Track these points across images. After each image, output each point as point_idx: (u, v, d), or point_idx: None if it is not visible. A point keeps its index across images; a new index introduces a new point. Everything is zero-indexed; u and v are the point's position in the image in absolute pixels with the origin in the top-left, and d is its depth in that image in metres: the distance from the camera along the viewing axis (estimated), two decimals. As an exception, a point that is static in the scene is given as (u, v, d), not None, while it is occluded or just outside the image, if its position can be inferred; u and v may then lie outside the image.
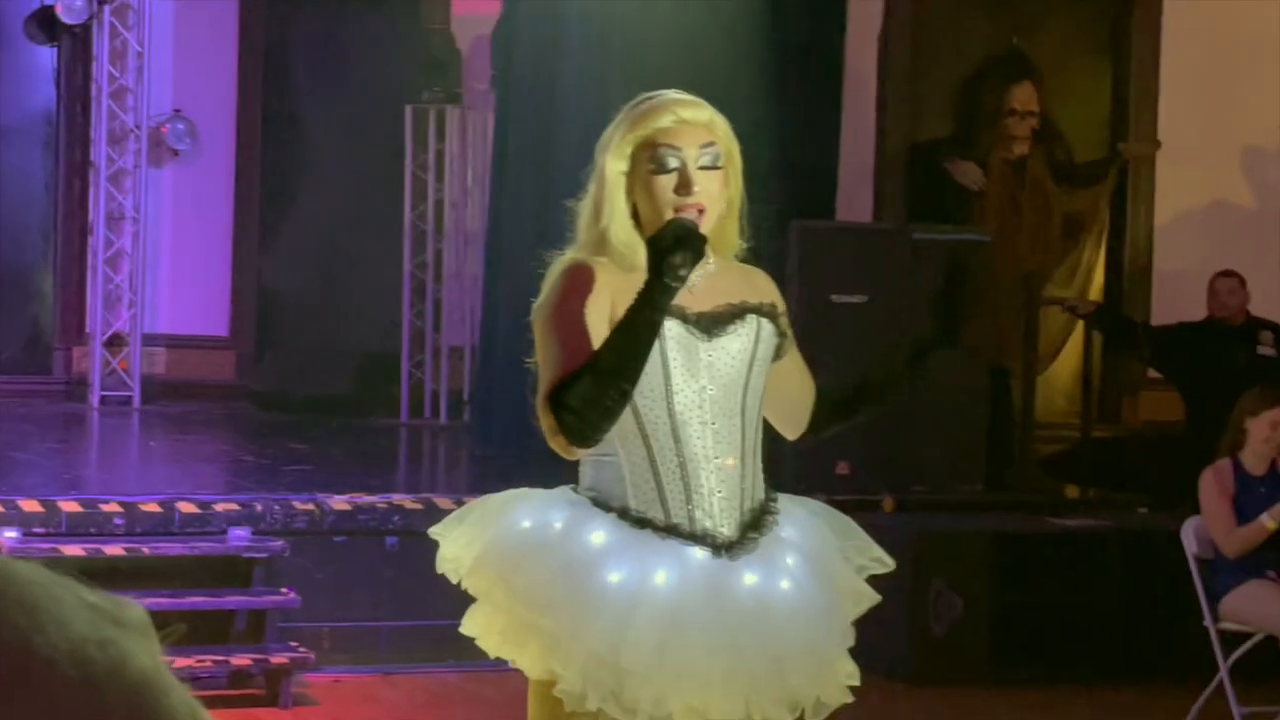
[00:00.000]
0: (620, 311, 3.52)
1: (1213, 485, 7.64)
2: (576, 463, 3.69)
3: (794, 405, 3.87)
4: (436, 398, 11.71)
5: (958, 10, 11.55)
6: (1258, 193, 12.03)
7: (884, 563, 3.77)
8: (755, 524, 3.65)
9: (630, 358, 3.47)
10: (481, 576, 3.59)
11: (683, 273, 3.40)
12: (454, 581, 3.64)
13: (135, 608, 0.70)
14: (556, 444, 3.49)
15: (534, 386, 3.58)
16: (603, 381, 3.45)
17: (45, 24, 12.67)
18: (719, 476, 3.62)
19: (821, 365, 3.98)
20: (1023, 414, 10.42)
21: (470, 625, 3.65)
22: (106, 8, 12.46)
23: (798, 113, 9.71)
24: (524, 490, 3.72)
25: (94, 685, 0.66)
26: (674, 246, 3.40)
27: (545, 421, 3.47)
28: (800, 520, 3.73)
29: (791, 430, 3.92)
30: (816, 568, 3.68)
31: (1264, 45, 11.95)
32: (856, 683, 3.71)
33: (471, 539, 3.63)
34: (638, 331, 3.46)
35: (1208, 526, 7.61)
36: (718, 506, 3.62)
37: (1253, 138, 12.02)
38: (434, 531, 3.72)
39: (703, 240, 3.44)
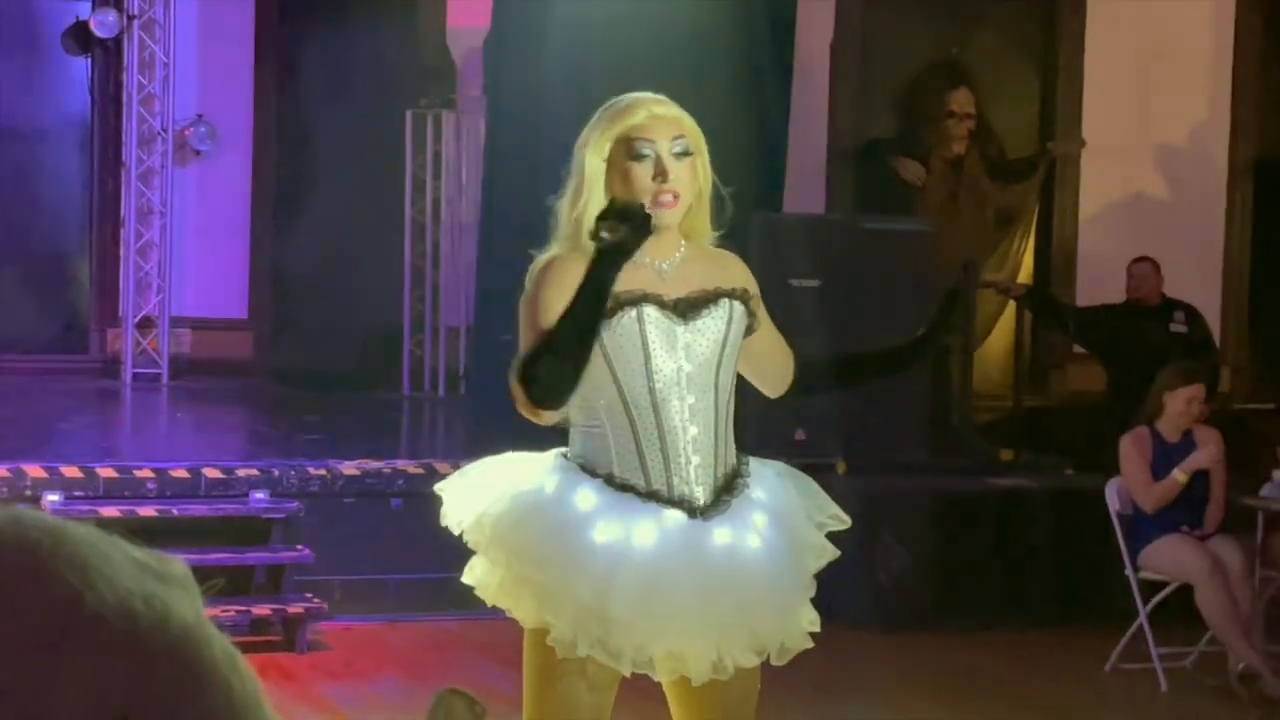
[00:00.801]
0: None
1: (1132, 449, 7.67)
2: (566, 432, 3.69)
3: (773, 369, 3.88)
4: (435, 373, 11.70)
5: (902, 22, 11.54)
6: (1172, 186, 12.05)
7: (841, 519, 3.78)
8: (728, 487, 3.66)
9: (582, 327, 3.45)
10: (481, 532, 3.59)
11: (606, 237, 3.39)
12: (456, 534, 3.64)
13: (178, 564, 0.70)
14: (526, 410, 3.49)
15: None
16: (557, 350, 3.45)
17: (80, 37, 12.65)
18: (694, 446, 3.62)
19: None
20: (961, 386, 10.43)
21: (470, 576, 3.65)
22: (136, 23, 12.42)
23: (759, 115, 9.71)
24: (520, 454, 3.72)
25: (140, 637, 0.66)
26: (607, 216, 3.41)
27: (515, 387, 3.47)
28: (769, 482, 3.73)
29: (772, 390, 3.91)
30: (782, 525, 3.68)
31: (1179, 53, 11.96)
32: (817, 629, 3.71)
33: (471, 496, 3.63)
34: (586, 302, 3.44)
35: (1128, 486, 7.64)
36: (693, 473, 3.62)
37: (1168, 136, 12.04)
38: (438, 488, 3.72)
39: (645, 217, 3.43)
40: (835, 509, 3.78)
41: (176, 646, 0.66)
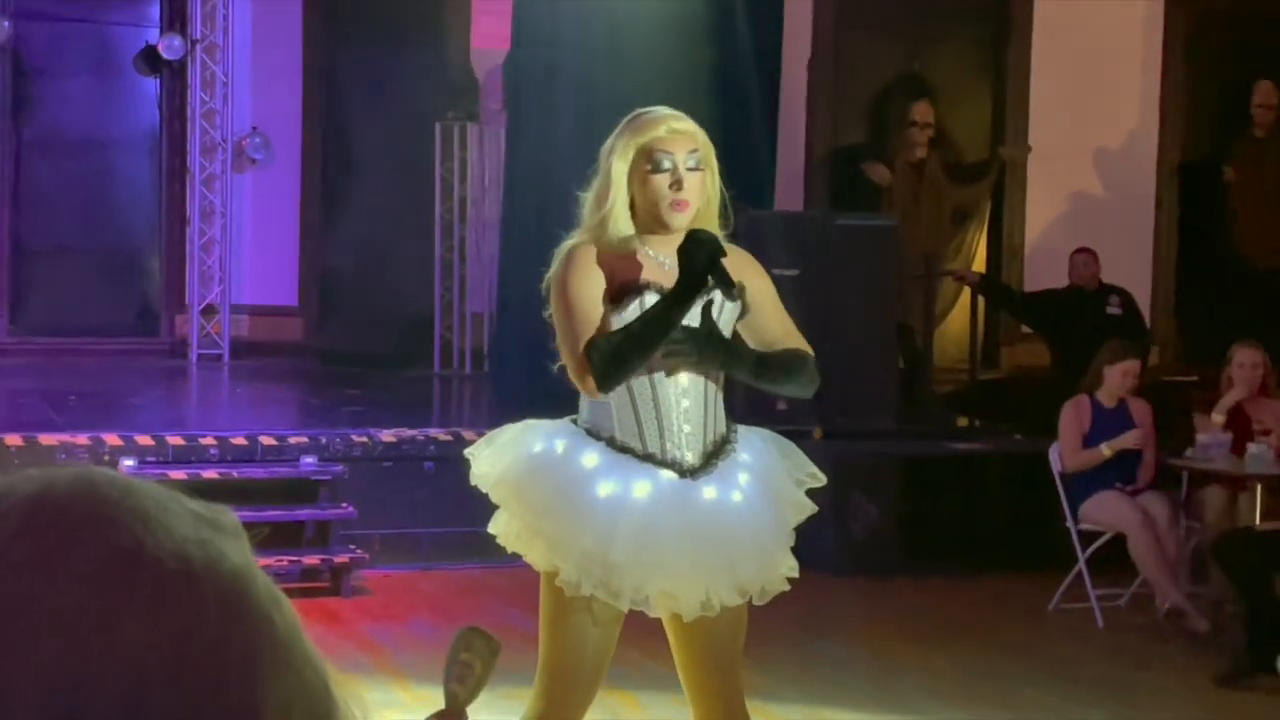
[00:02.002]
0: (613, 282, 3.54)
1: (1071, 415, 7.69)
2: (575, 400, 3.70)
3: (784, 371, 3.83)
4: (462, 353, 11.72)
5: (871, 42, 11.53)
6: (1109, 185, 12.05)
7: (818, 478, 3.79)
8: (715, 452, 3.66)
9: (659, 334, 3.49)
10: (502, 488, 3.60)
11: (731, 292, 3.53)
12: (483, 491, 3.65)
13: (229, 514, 0.70)
14: (585, 386, 3.51)
15: (551, 342, 3.61)
16: (633, 346, 3.47)
17: (150, 60, 12.65)
18: (685, 417, 3.63)
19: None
20: (924, 361, 10.45)
21: (494, 527, 3.67)
22: (198, 46, 12.42)
23: (746, 124, 9.71)
24: (535, 421, 3.73)
25: (194, 577, 0.66)
26: (708, 264, 3.46)
27: (577, 368, 3.49)
28: (754, 446, 3.74)
29: (802, 388, 3.85)
30: (765, 484, 3.69)
31: (1113, 70, 11.95)
32: (796, 575, 3.72)
33: (495, 459, 3.65)
34: (668, 316, 3.49)
35: (1061, 446, 7.67)
36: (684, 439, 3.63)
37: (1105, 141, 12.03)
38: (467, 452, 3.74)
39: (720, 246, 3.50)
40: (813, 469, 3.79)
41: (226, 586, 0.66)
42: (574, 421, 3.68)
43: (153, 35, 12.65)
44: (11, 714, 0.60)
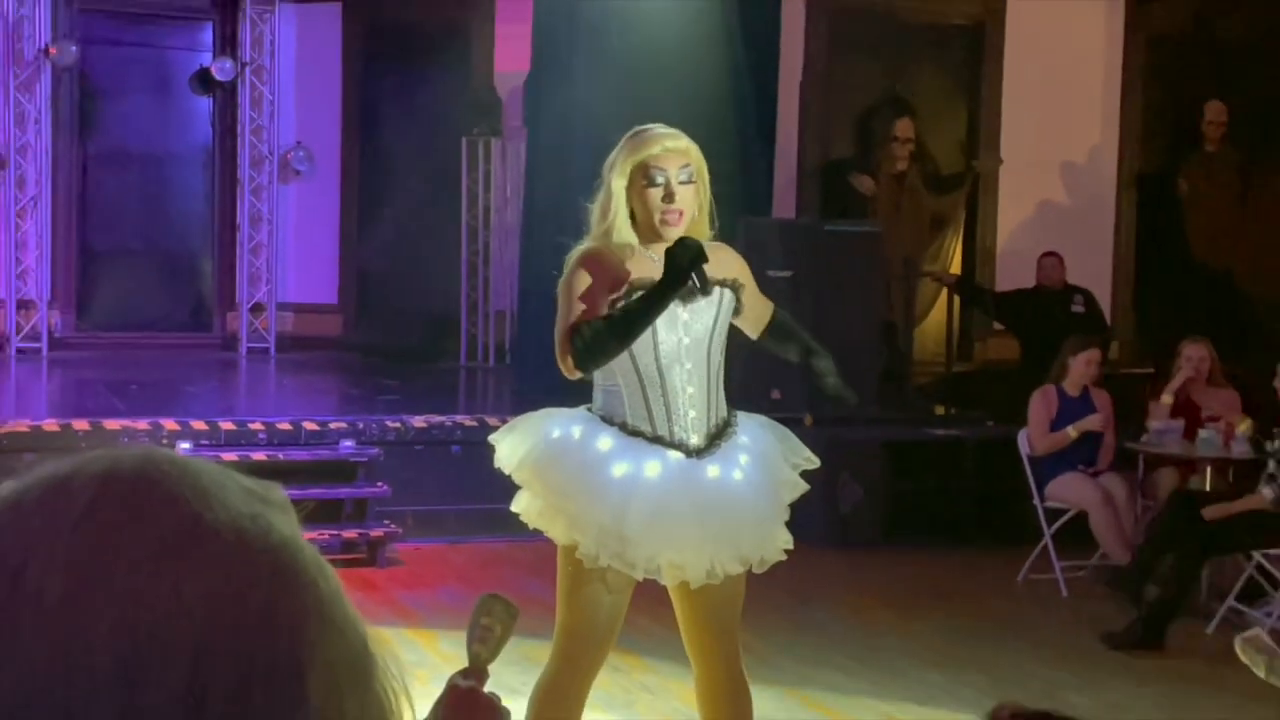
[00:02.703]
0: (616, 281, 3.55)
1: (1039, 402, 7.69)
2: (589, 391, 3.71)
3: (753, 322, 3.90)
4: (486, 347, 11.72)
5: (857, 65, 11.51)
6: (1073, 195, 12.03)
7: (811, 460, 3.79)
8: (718, 434, 3.67)
9: (637, 323, 3.50)
10: (524, 470, 3.60)
11: (702, 285, 3.49)
12: (506, 474, 3.65)
13: (278, 489, 0.70)
14: (565, 366, 3.53)
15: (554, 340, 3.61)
16: (610, 331, 3.47)
17: (204, 81, 12.65)
18: (691, 402, 3.63)
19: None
20: (905, 354, 10.44)
21: (516, 505, 3.67)
22: (248, 69, 12.43)
23: (745, 139, 9.71)
24: (553, 409, 3.73)
25: (247, 547, 0.66)
26: (690, 265, 3.45)
27: (560, 347, 3.50)
28: (753, 431, 3.75)
29: (753, 332, 3.93)
30: (763, 464, 3.69)
31: (1078, 89, 11.93)
32: (791, 547, 3.72)
33: (517, 443, 3.65)
34: (648, 309, 3.50)
35: (1030, 431, 7.66)
36: (690, 423, 3.63)
37: (1070, 156, 12.01)
38: (491, 438, 3.74)
39: (704, 254, 3.49)
40: (807, 452, 3.80)
41: (275, 555, 0.66)
42: (589, 409, 3.68)
43: (206, 59, 12.66)
44: (91, 670, 0.60)
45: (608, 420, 3.62)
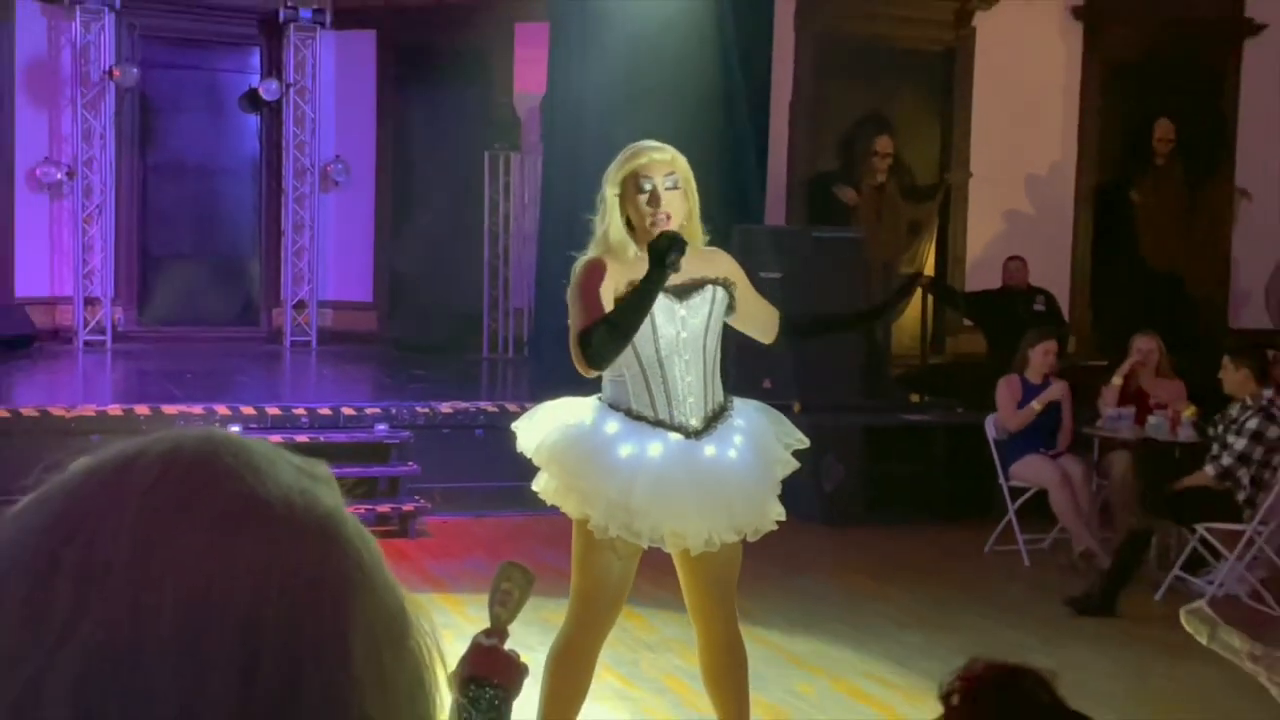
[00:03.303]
0: (619, 287, 3.54)
1: (1005, 388, 7.70)
2: (598, 381, 3.70)
3: (762, 326, 3.86)
4: (506, 341, 11.72)
5: (841, 88, 11.49)
6: (1036, 204, 12.01)
7: (802, 441, 3.79)
8: (715, 418, 3.67)
9: (632, 317, 3.48)
10: (542, 453, 3.61)
11: (676, 265, 3.43)
12: (528, 458, 3.66)
13: (324, 466, 0.71)
14: (580, 366, 3.52)
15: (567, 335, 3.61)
16: (612, 329, 3.47)
17: (252, 101, 12.66)
18: (689, 389, 3.64)
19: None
20: (884, 348, 10.43)
21: (536, 484, 3.67)
22: (291, 89, 12.43)
23: (740, 154, 9.71)
24: (567, 399, 3.73)
25: (296, 519, 0.66)
26: (669, 249, 3.41)
27: (574, 352, 3.49)
28: (749, 414, 3.75)
29: (765, 338, 3.89)
30: (756, 444, 3.69)
31: (1040, 110, 11.92)
32: (783, 518, 3.72)
33: (536, 430, 3.65)
34: (640, 302, 3.48)
35: (1000, 414, 7.66)
36: (689, 408, 3.63)
37: (1032, 169, 12.00)
38: (514, 426, 3.74)
39: (684, 243, 3.45)
40: (799, 434, 3.79)
41: (321, 526, 0.66)
42: (599, 399, 3.69)
43: (254, 80, 12.67)
44: (156, 630, 0.60)
45: (615, 407, 3.62)
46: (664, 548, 3.60)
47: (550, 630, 3.76)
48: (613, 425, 3.59)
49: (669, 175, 3.60)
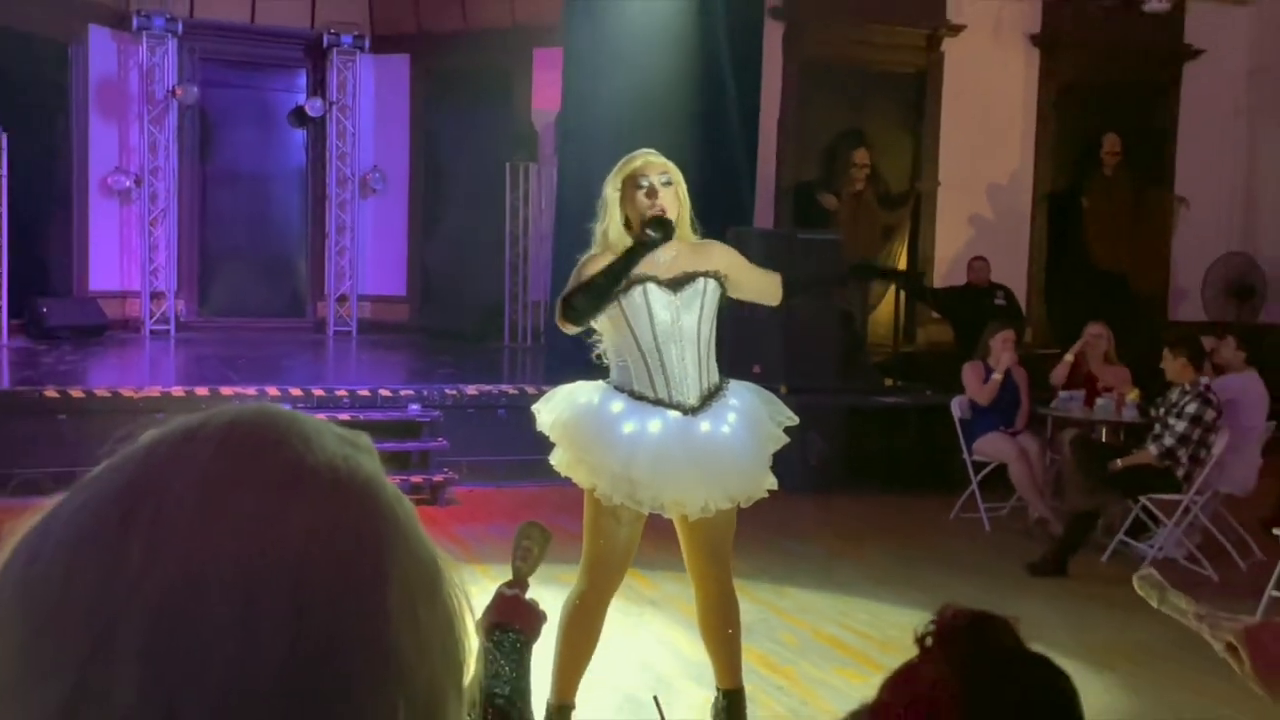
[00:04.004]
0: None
1: (970, 372, 7.70)
2: (607, 368, 3.70)
3: (765, 293, 3.82)
4: (525, 330, 11.72)
5: (823, 105, 11.47)
6: (996, 210, 11.99)
7: (792, 418, 3.78)
8: (710, 397, 3.66)
9: (609, 279, 3.49)
10: (557, 431, 3.61)
11: (653, 236, 3.44)
12: (546, 435, 3.65)
13: (365, 436, 0.70)
14: (560, 323, 3.53)
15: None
16: (589, 289, 3.47)
17: (299, 117, 12.66)
18: (685, 372, 3.63)
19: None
20: (861, 337, 10.41)
21: (553, 458, 3.67)
22: (334, 106, 12.42)
23: (733, 164, 9.69)
24: (579, 383, 3.73)
25: (340, 483, 0.66)
26: (650, 224, 3.44)
27: (558, 311, 3.51)
28: (742, 394, 3.74)
29: (773, 302, 3.84)
30: (749, 421, 3.68)
31: (1000, 125, 11.90)
32: (775, 487, 3.71)
33: (552, 411, 3.65)
34: (617, 269, 3.49)
35: (968, 391, 7.66)
36: (686, 387, 3.63)
37: (994, 179, 11.98)
38: (534, 408, 3.73)
39: (671, 224, 3.46)
40: (789, 413, 3.78)
41: (363, 490, 0.66)
42: (606, 382, 3.69)
43: (301, 98, 12.66)
44: (218, 584, 0.60)
45: (619, 389, 3.62)
46: (665, 514, 3.60)
47: (563, 589, 3.76)
48: (618, 405, 3.59)
49: (662, 174, 3.60)
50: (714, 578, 3.72)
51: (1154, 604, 1.74)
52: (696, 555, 3.70)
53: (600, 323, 3.61)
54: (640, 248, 3.46)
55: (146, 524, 0.61)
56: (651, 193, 3.57)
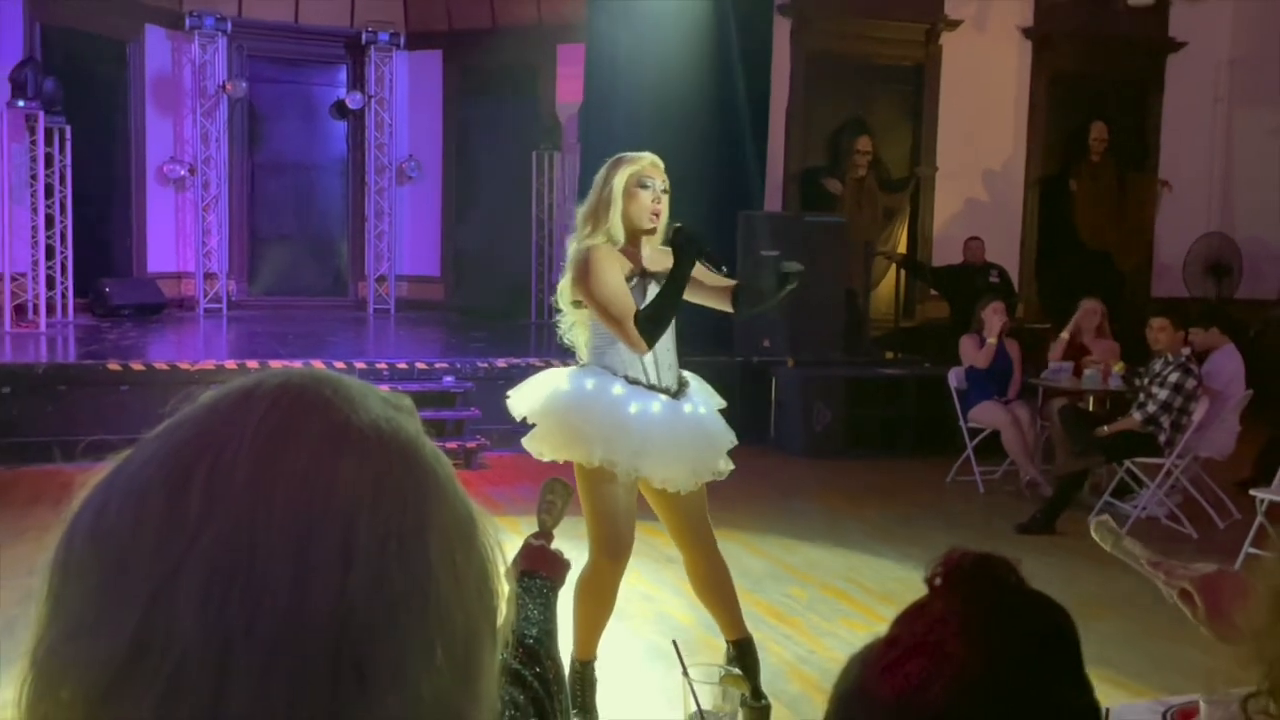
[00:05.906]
0: (629, 273, 3.51)
1: (967, 343, 7.67)
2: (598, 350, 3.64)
3: (717, 299, 3.71)
4: (552, 309, 11.69)
5: (829, 95, 11.39)
6: (991, 194, 11.92)
7: (721, 402, 3.73)
8: (681, 384, 3.66)
9: (675, 298, 3.45)
10: (552, 417, 3.53)
11: (711, 254, 3.43)
12: (519, 419, 3.57)
13: (406, 399, 0.71)
14: (638, 348, 3.46)
15: (606, 318, 3.49)
16: (660, 313, 3.44)
17: (340, 109, 12.64)
18: (666, 360, 3.62)
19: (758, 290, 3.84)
20: (863, 313, 10.39)
21: (528, 441, 3.60)
22: (373, 99, 12.41)
23: (744, 152, 9.65)
24: (548, 372, 3.69)
25: (384, 442, 0.66)
26: (702, 244, 3.42)
27: (630, 335, 3.42)
28: (694, 381, 3.72)
29: (727, 308, 3.72)
30: (707, 404, 3.68)
31: (994, 113, 11.81)
32: (732, 466, 3.67)
33: (530, 397, 3.59)
34: (678, 286, 3.44)
35: (966, 359, 7.62)
36: (668, 375, 3.62)
37: (988, 165, 11.90)
38: (508, 397, 3.65)
39: (699, 234, 3.44)
40: (717, 396, 3.75)
41: (405, 448, 0.67)
42: (582, 366, 3.62)
43: (341, 92, 12.65)
44: (271, 533, 0.61)
45: (612, 372, 3.57)
46: (653, 484, 3.55)
47: (583, 546, 3.75)
48: (618, 388, 3.55)
49: (663, 181, 3.57)
50: (699, 544, 3.70)
51: (1108, 548, 1.73)
52: (682, 526, 3.68)
53: (584, 311, 3.55)
54: (690, 260, 3.41)
55: (204, 478, 0.61)
56: (655, 198, 3.53)
